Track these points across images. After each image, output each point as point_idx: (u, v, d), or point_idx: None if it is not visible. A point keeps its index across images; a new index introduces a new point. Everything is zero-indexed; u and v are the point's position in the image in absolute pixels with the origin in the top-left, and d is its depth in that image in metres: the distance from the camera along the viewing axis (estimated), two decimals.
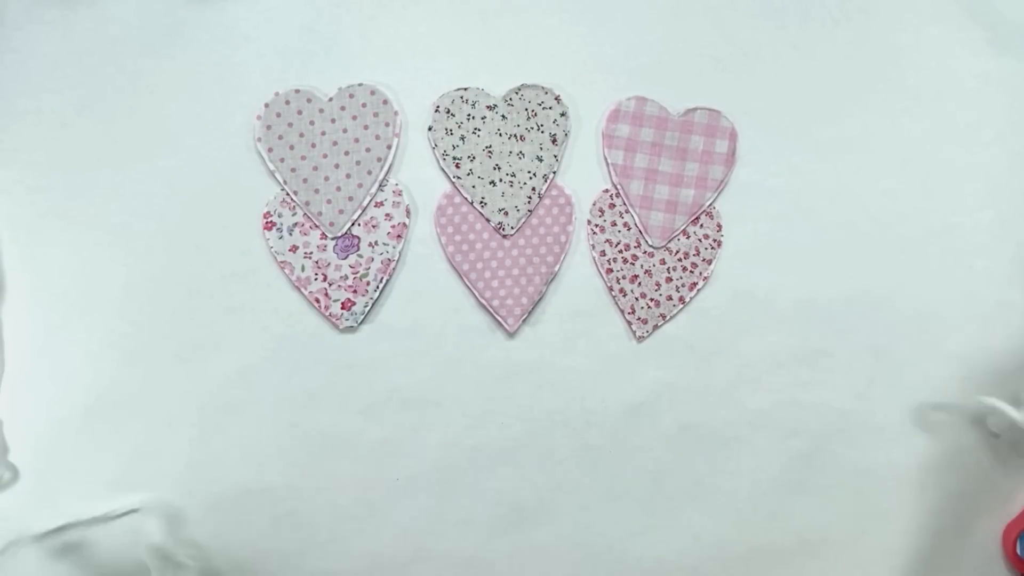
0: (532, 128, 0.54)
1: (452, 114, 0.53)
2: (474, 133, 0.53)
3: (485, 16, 0.54)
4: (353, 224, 0.53)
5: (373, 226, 0.53)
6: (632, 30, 0.55)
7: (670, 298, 0.53)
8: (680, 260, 0.53)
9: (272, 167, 0.53)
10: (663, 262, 0.53)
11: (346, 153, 0.53)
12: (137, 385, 0.51)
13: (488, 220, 0.53)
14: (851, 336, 0.53)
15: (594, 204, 0.54)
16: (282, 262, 0.52)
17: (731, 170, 0.54)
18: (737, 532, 0.52)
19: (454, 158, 0.53)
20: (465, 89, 0.54)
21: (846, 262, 0.53)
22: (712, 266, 0.53)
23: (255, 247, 0.53)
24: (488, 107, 0.54)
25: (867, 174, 0.54)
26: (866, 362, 0.53)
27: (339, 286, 0.52)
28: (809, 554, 0.52)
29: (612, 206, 0.54)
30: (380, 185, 0.53)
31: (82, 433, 0.51)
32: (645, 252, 0.53)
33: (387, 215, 0.53)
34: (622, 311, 0.53)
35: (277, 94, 0.53)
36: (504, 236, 0.53)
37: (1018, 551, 0.51)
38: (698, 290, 0.53)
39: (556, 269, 0.53)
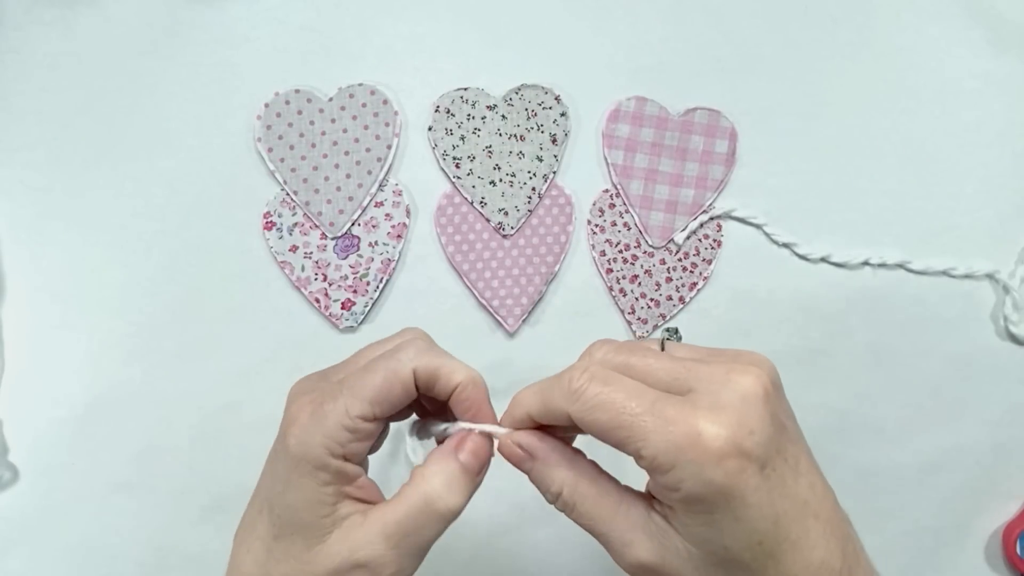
0: (532, 128, 0.54)
1: (452, 114, 0.53)
2: (474, 133, 0.53)
3: (485, 16, 0.54)
4: (353, 224, 0.53)
5: (373, 226, 0.53)
6: (632, 30, 0.55)
7: (670, 298, 0.53)
8: (680, 260, 0.53)
9: (272, 167, 0.53)
10: (663, 262, 0.53)
11: (346, 153, 0.53)
12: (137, 385, 0.51)
13: (488, 220, 0.53)
14: (851, 336, 0.53)
15: (594, 204, 0.54)
16: (282, 262, 0.52)
17: (731, 170, 0.54)
18: None
19: (454, 158, 0.53)
20: (465, 89, 0.54)
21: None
22: (712, 266, 0.53)
23: (255, 247, 0.53)
24: (488, 107, 0.54)
25: (867, 174, 0.54)
26: (866, 362, 0.53)
27: (339, 286, 0.52)
28: None
29: (612, 206, 0.54)
30: (380, 185, 0.53)
31: (82, 433, 0.51)
32: (645, 252, 0.53)
33: (387, 215, 0.53)
34: (622, 311, 0.53)
35: (277, 94, 0.53)
36: (504, 236, 0.53)
37: (1018, 551, 0.51)
38: (698, 290, 0.53)
39: (556, 269, 0.53)
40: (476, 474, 0.30)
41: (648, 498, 0.29)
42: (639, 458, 0.27)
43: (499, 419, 0.33)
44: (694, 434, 0.25)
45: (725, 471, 0.25)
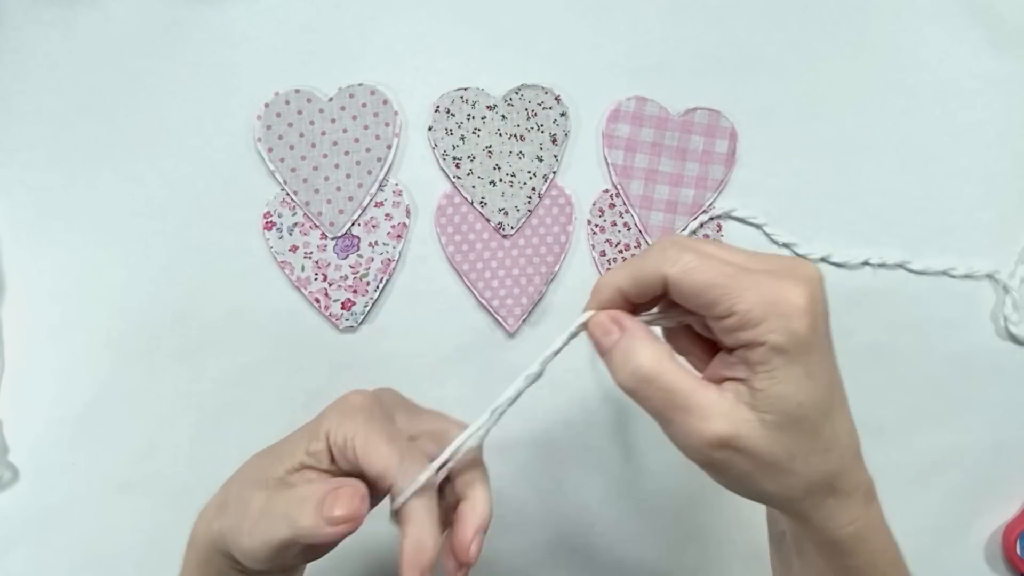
0: (532, 128, 0.53)
1: (452, 114, 0.53)
2: (474, 133, 0.53)
3: (485, 16, 0.54)
4: (353, 224, 0.53)
5: (373, 226, 0.53)
6: (632, 30, 0.55)
7: None
8: None
9: (272, 167, 0.53)
10: None
11: (346, 153, 0.53)
12: (137, 385, 0.51)
13: (488, 220, 0.53)
14: (851, 336, 0.53)
15: (594, 204, 0.54)
16: (282, 262, 0.52)
17: (731, 170, 0.54)
18: (739, 532, 0.52)
19: (454, 158, 0.53)
20: (465, 89, 0.54)
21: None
22: None
23: (255, 247, 0.53)
24: (488, 107, 0.54)
25: (867, 174, 0.54)
26: (866, 362, 0.53)
27: (339, 286, 0.52)
28: None
29: (612, 206, 0.54)
30: (380, 185, 0.53)
31: (82, 433, 0.51)
32: None
33: (387, 215, 0.53)
34: None
35: (277, 94, 0.53)
36: (504, 236, 0.53)
37: (1018, 551, 0.51)
38: None
39: (556, 269, 0.53)
40: (331, 520, 0.31)
41: (716, 383, 0.32)
42: (730, 315, 0.30)
43: (584, 308, 0.35)
44: (783, 293, 0.30)
45: (807, 324, 0.30)
